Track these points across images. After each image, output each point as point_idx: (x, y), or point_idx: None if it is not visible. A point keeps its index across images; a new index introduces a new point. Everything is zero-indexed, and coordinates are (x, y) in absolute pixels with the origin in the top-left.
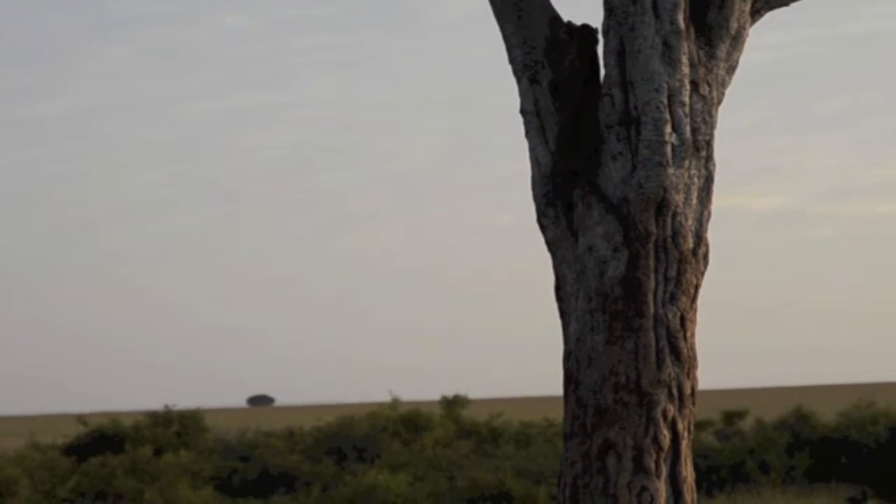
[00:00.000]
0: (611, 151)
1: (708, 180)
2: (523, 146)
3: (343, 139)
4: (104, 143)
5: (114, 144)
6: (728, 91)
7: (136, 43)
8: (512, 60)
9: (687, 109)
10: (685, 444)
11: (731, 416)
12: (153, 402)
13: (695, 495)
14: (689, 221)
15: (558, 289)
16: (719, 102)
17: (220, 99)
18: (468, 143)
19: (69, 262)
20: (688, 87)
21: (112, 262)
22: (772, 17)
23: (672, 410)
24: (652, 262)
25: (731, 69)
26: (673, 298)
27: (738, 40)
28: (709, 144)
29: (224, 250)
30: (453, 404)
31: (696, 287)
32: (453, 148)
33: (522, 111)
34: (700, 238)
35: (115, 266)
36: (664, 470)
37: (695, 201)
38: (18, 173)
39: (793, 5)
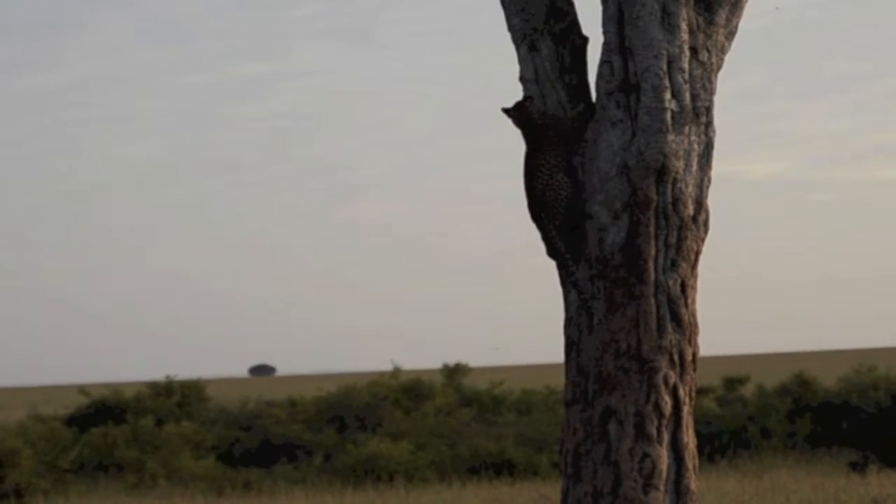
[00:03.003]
0: (610, 118)
1: (708, 146)
2: None
3: (340, 109)
4: (100, 114)
5: (110, 116)
6: (727, 57)
7: (132, 13)
8: (511, 28)
9: (686, 76)
10: (686, 411)
11: (731, 383)
12: (154, 372)
13: (696, 461)
14: (690, 188)
15: None
16: (718, 69)
17: (216, 69)
18: (467, 110)
19: (68, 234)
20: (687, 53)
21: (111, 233)
22: None
23: (673, 377)
24: (652, 229)
25: (731, 35)
26: (674, 265)
27: (737, 6)
28: (708, 111)
29: (223, 221)
30: (454, 372)
31: (697, 253)
32: (452, 116)
33: (522, 79)
34: (700, 204)
35: (114, 237)
36: (666, 436)
37: (695, 168)
38: (14, 145)
39: None
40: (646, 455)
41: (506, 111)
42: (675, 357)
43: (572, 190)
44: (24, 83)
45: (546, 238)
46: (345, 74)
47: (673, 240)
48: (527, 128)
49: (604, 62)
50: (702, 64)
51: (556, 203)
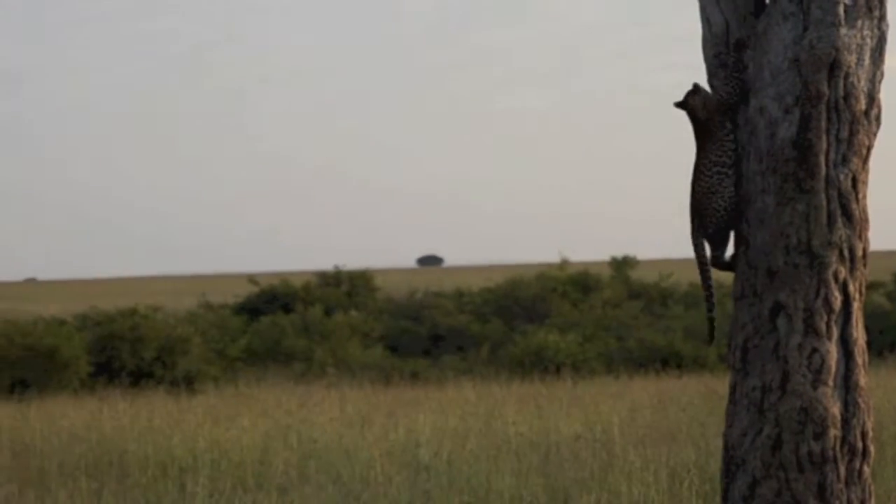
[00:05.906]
0: (783, 12)
1: (881, 40)
2: (694, 6)
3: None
4: (260, 4)
5: (269, 5)
6: None
7: None
8: None
9: None
10: (856, 306)
11: None
12: (324, 262)
13: (866, 357)
14: (862, 82)
15: None
16: None
17: None
18: (635, 3)
19: (232, 129)
20: None
21: (273, 128)
22: None
23: (843, 272)
24: (824, 124)
25: None
26: (845, 160)
27: None
28: (882, 4)
29: (390, 114)
30: (622, 265)
31: (868, 148)
32: (619, 8)
33: None
34: (872, 99)
35: (278, 131)
36: (835, 332)
37: (867, 62)
38: (169, 38)
39: None
40: (815, 350)
41: (677, 105)
42: (846, 252)
43: (733, 200)
44: None
45: (694, 243)
46: None
47: (844, 134)
48: (694, 122)
49: None
50: None
51: (713, 209)
